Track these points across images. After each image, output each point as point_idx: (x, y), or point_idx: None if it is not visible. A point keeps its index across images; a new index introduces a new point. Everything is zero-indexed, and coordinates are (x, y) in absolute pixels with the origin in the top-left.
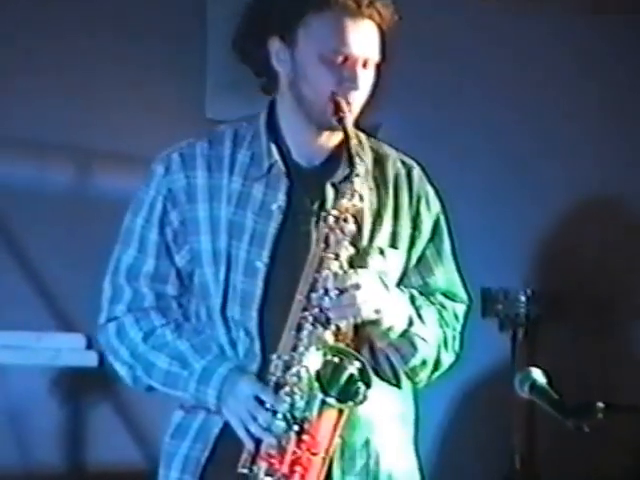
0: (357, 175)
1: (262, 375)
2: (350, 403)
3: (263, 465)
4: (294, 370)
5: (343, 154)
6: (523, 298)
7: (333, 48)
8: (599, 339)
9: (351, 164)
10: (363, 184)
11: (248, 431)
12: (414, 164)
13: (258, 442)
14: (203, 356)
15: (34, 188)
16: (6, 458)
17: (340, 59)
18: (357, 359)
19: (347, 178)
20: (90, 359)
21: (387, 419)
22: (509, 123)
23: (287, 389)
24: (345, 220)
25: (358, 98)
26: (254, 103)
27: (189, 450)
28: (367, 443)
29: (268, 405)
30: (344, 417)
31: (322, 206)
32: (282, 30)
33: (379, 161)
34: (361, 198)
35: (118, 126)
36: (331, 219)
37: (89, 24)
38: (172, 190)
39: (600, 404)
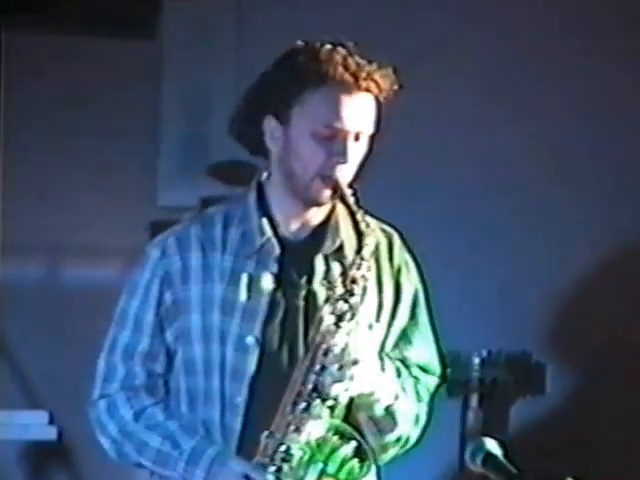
0: (367, 245)
1: (239, 452)
2: (349, 477)
3: None
4: (285, 447)
5: (328, 226)
6: (477, 361)
7: (325, 123)
8: (570, 407)
9: (359, 235)
10: (371, 255)
11: None
12: (393, 232)
13: None
14: (192, 437)
15: (7, 281)
16: None
17: (331, 133)
18: (354, 438)
19: (338, 251)
20: (51, 433)
21: None
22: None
23: (276, 467)
24: (351, 292)
25: (347, 171)
26: (200, 189)
27: None
28: None
29: None
30: None
31: (310, 281)
32: (278, 108)
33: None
34: (369, 269)
35: (79, 220)
36: (339, 291)
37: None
38: (169, 272)
39: (569, 479)
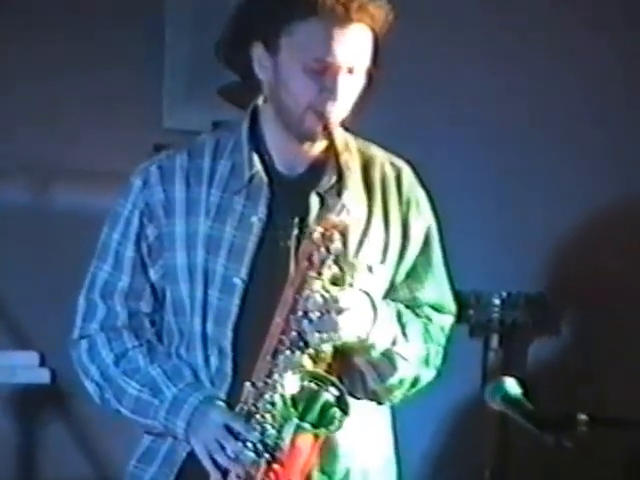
0: (346, 188)
1: (231, 396)
2: (325, 429)
3: None
4: (267, 397)
5: (328, 161)
6: (497, 301)
7: (316, 57)
8: (585, 347)
9: (339, 177)
10: (352, 198)
11: (215, 461)
12: (404, 166)
13: (225, 473)
14: (175, 383)
15: None
16: None
17: (322, 67)
18: (334, 385)
19: (333, 188)
20: (43, 376)
21: (368, 446)
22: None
23: (259, 417)
24: (331, 237)
25: (339, 107)
26: (212, 111)
27: (155, 475)
28: (347, 474)
29: (238, 434)
30: (318, 445)
31: (303, 221)
32: (266, 36)
33: (366, 165)
34: (349, 213)
35: (74, 140)
36: (316, 235)
37: (42, 38)
38: (149, 204)
39: (582, 416)
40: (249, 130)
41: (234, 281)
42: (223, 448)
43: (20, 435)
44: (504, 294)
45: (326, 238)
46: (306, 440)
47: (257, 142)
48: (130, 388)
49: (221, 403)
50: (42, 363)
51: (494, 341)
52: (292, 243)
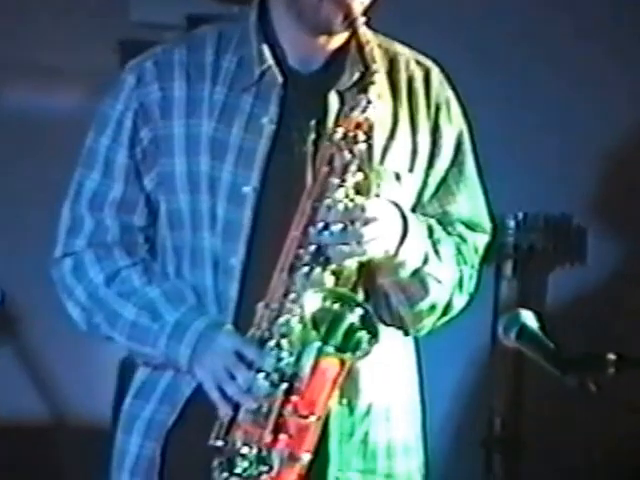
0: (372, 83)
1: (237, 324)
2: (352, 354)
3: (240, 434)
4: (283, 319)
5: (347, 56)
6: (512, 224)
7: None
8: (614, 277)
9: (366, 68)
10: (378, 95)
11: (224, 393)
12: (432, 65)
13: (236, 407)
14: (176, 307)
15: None
16: None
17: None
18: (361, 306)
19: (356, 85)
20: None
21: (393, 383)
22: None
23: (274, 343)
24: (355, 138)
25: None
26: (185, 2)
27: (154, 413)
28: (370, 410)
29: (251, 362)
30: (343, 373)
31: (320, 124)
32: None
33: (390, 64)
34: (375, 111)
35: (30, 35)
36: (338, 136)
37: None
38: (144, 104)
39: (611, 355)
40: (257, 21)
41: (243, 190)
42: (233, 378)
43: None
44: (520, 215)
45: (349, 139)
46: (330, 367)
47: (266, 35)
48: (126, 312)
49: (230, 327)
50: None
51: (507, 268)
52: (309, 148)
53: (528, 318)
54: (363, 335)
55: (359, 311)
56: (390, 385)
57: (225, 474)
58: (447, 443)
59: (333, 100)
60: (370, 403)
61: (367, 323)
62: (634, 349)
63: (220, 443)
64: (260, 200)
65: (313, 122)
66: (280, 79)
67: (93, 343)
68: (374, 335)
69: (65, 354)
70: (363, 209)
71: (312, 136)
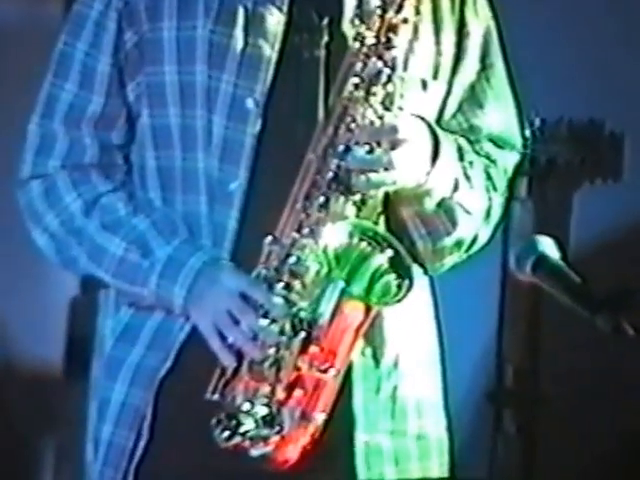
0: None
1: (234, 261)
2: (380, 298)
3: (244, 389)
4: (296, 257)
5: None
6: (526, 132)
7: None
8: None
9: None
10: None
11: (226, 341)
12: None
13: (240, 356)
14: (168, 240)
15: None
16: None
17: None
18: (391, 246)
19: None
20: None
21: (417, 329)
22: None
23: (285, 283)
24: (388, 42)
25: None
26: None
27: (142, 358)
28: (397, 362)
29: (258, 306)
30: (368, 323)
31: (333, 22)
32: None
33: None
34: (417, 12)
35: None
36: (369, 41)
37: None
38: (129, 3)
39: None
40: None
41: (247, 104)
42: (237, 323)
43: None
44: (537, 121)
45: (380, 44)
46: (354, 313)
47: None
48: (112, 246)
49: (231, 265)
50: None
51: (522, 187)
52: (322, 53)
53: (547, 246)
54: (392, 279)
55: (389, 252)
56: (416, 336)
57: (227, 433)
58: (448, 396)
59: None
60: (397, 354)
61: (399, 266)
62: None
63: (217, 397)
64: (265, 114)
65: (326, 21)
66: None
67: (39, 278)
68: (410, 280)
69: (5, 292)
70: (395, 130)
71: (325, 38)
